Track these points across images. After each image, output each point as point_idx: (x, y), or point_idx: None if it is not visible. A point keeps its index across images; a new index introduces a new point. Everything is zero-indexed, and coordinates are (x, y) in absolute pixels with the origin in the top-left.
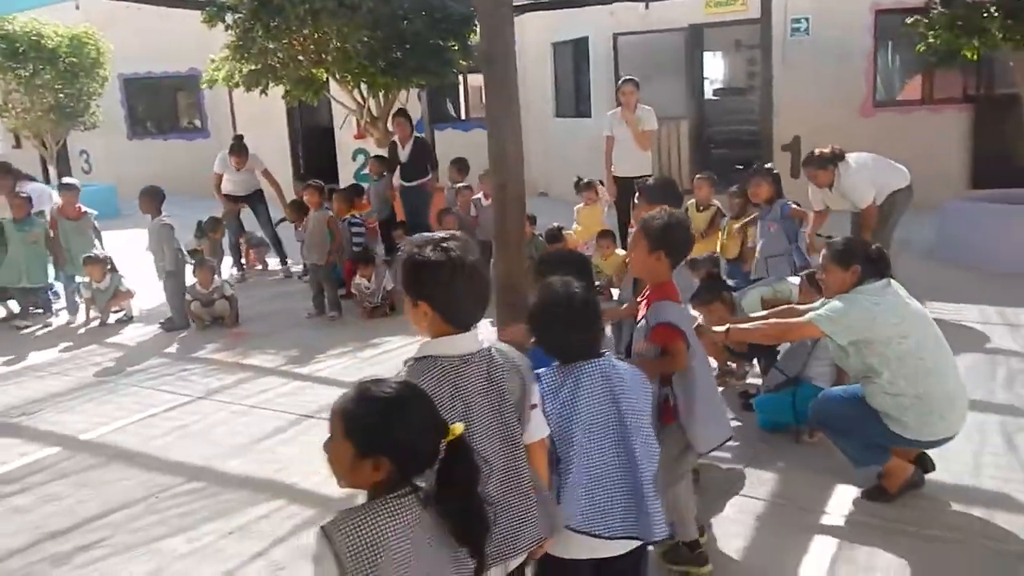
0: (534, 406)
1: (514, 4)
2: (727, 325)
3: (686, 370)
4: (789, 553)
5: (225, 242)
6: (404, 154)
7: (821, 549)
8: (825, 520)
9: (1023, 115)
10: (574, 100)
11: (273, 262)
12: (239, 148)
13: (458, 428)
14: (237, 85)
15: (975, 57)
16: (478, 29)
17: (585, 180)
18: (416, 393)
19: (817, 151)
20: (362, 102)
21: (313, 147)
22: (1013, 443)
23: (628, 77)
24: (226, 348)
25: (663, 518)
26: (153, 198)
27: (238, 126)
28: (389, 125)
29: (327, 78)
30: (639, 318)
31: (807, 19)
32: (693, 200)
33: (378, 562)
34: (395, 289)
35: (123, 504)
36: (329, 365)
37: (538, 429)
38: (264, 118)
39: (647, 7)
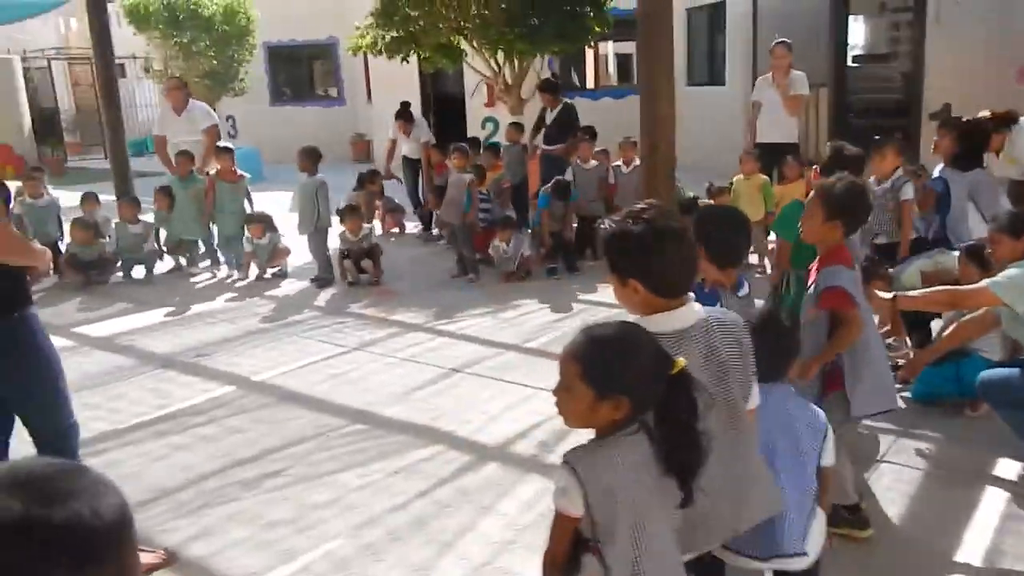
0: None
1: None
2: (893, 293)
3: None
4: (951, 522)
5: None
6: (550, 117)
7: (984, 519)
8: (989, 492)
9: None
10: (708, 68)
11: (410, 225)
12: (405, 115)
13: (681, 361)
14: (381, 52)
15: None
16: None
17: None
18: (641, 331)
19: (988, 112)
20: (497, 69)
21: (444, 115)
22: None
23: (781, 40)
24: (373, 304)
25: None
26: (311, 157)
27: (372, 94)
28: (522, 92)
29: (463, 46)
30: (808, 283)
31: None
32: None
33: (616, 494)
34: (530, 256)
35: (299, 439)
36: (471, 324)
37: (753, 398)
38: (398, 86)
39: None
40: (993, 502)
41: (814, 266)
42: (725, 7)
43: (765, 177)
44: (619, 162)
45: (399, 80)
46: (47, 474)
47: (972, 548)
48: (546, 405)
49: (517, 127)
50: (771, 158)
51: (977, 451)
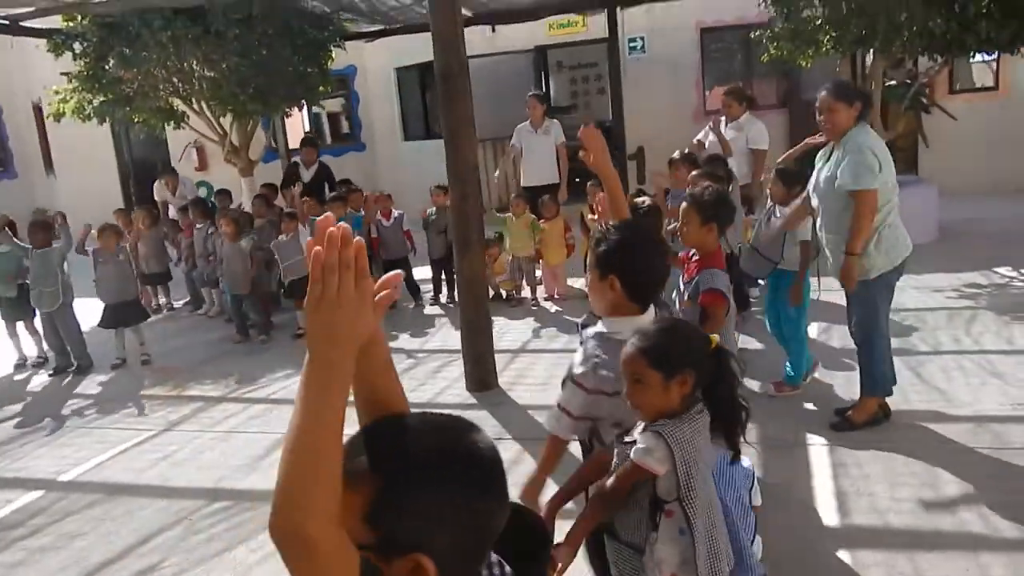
0: None
1: (362, 31)
2: None
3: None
4: (784, 488)
5: None
6: (308, 175)
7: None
8: (806, 456)
9: None
10: (423, 123)
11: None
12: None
13: (715, 338)
14: (89, 117)
15: (808, 65)
16: (333, 53)
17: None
18: (678, 320)
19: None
20: (224, 132)
21: (147, 180)
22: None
23: (533, 92)
24: (158, 383)
25: None
26: (44, 228)
27: (55, 164)
28: (251, 153)
29: (183, 108)
30: (688, 278)
31: (642, 38)
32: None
33: (698, 459)
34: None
35: (159, 529)
36: (282, 386)
37: None
38: (89, 154)
39: (494, 30)
40: (814, 464)
41: (692, 263)
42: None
43: (533, 216)
44: (378, 216)
45: (89, 147)
46: None
47: (821, 503)
48: None
49: (262, 200)
50: (534, 200)
51: (788, 424)
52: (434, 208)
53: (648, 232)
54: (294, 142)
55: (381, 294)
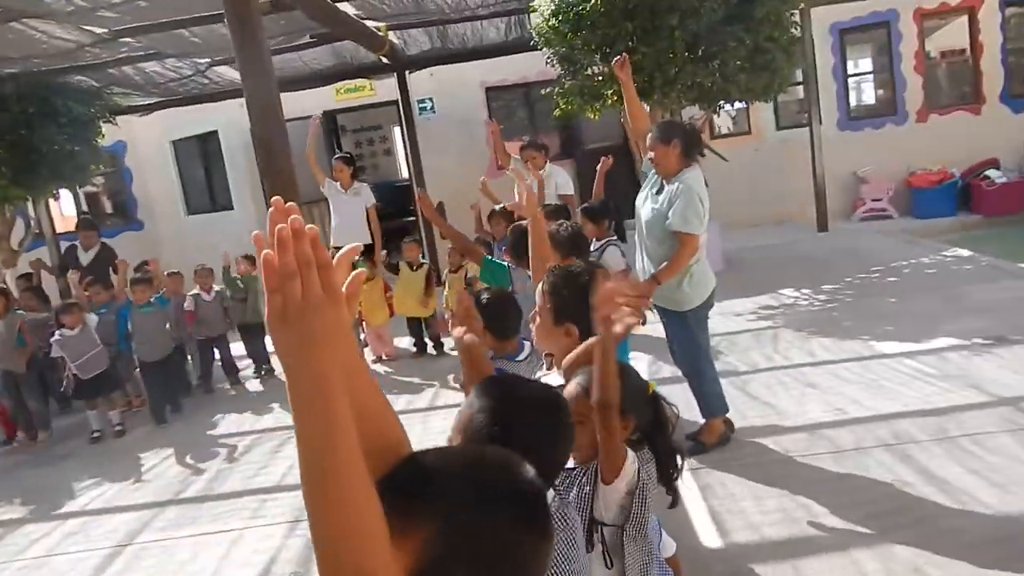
0: None
1: (135, 104)
2: None
3: None
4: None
5: None
6: (87, 258)
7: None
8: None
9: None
10: (208, 195)
11: None
12: None
13: (652, 384)
14: None
15: (596, 116)
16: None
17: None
18: (623, 364)
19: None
20: None
21: None
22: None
23: (339, 155)
24: None
25: None
26: None
27: None
28: (13, 242)
29: None
30: None
31: (431, 99)
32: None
33: (648, 492)
34: None
35: None
36: (99, 495)
37: None
38: None
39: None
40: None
41: None
42: (218, 136)
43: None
44: (196, 290)
45: None
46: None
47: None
48: (262, 539)
49: (32, 294)
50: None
51: None
52: (238, 276)
53: (604, 277)
54: (60, 226)
55: (348, 281)
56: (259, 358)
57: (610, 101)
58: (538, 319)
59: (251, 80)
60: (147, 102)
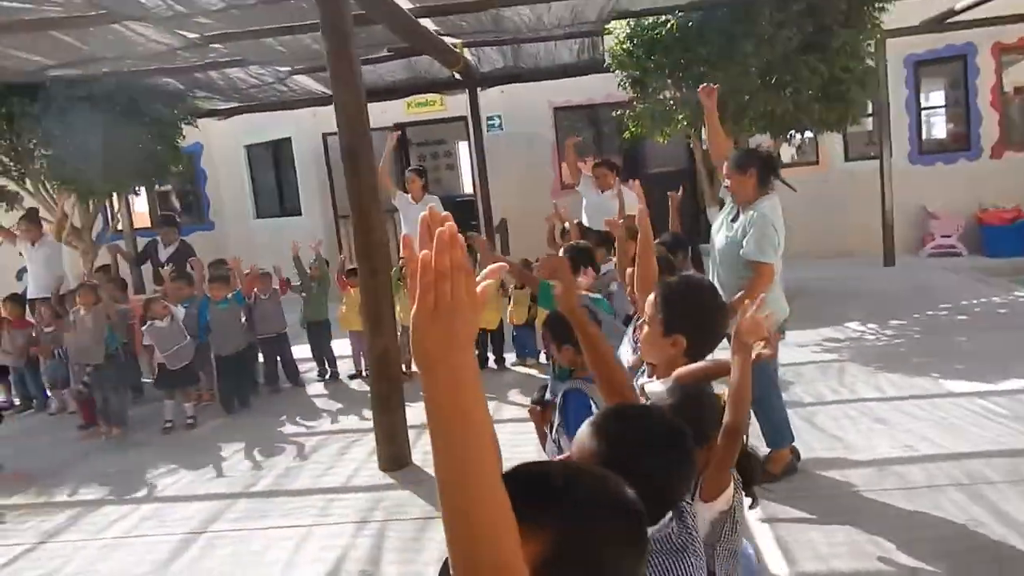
0: None
1: (217, 108)
2: None
3: None
4: None
5: None
6: (165, 254)
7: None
8: None
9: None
10: (278, 200)
11: None
12: None
13: (723, 396)
14: None
15: (664, 141)
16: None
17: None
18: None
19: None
20: (65, 213)
21: None
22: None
23: (412, 168)
24: (17, 491)
25: None
26: None
27: None
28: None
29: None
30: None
31: (499, 116)
32: None
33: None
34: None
35: None
36: (167, 482)
37: None
38: None
39: None
40: (750, 518)
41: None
42: (291, 143)
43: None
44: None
45: None
46: None
47: None
48: (330, 537)
49: (114, 286)
50: None
51: None
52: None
53: (715, 292)
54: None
55: (482, 284)
56: (323, 360)
57: (679, 126)
58: (646, 328)
59: (341, 90)
60: (227, 106)
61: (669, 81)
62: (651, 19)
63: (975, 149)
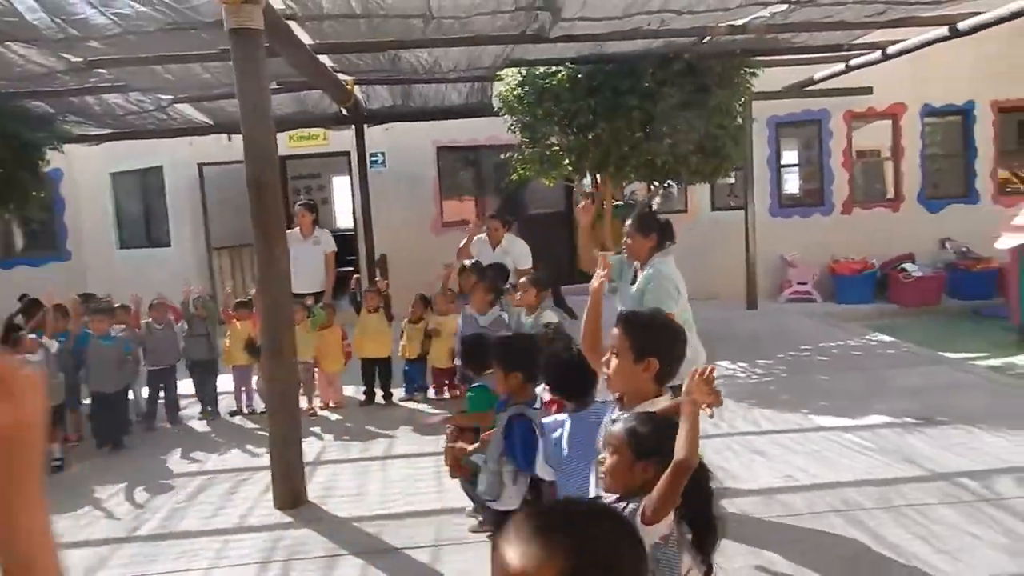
0: None
1: (88, 134)
2: None
3: None
4: None
5: None
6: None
7: None
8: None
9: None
10: (144, 231)
11: None
12: None
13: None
14: None
15: (551, 184)
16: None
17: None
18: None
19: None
20: None
21: None
22: None
23: (302, 201)
24: None
25: None
26: None
27: None
28: None
29: None
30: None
31: (383, 153)
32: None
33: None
34: None
35: None
36: None
37: None
38: None
39: (230, 139)
40: None
41: None
42: (163, 172)
43: (310, 319)
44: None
45: None
46: None
47: None
48: None
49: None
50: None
51: None
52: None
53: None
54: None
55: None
56: (207, 399)
57: (566, 171)
58: (614, 360)
59: (252, 122)
60: (99, 132)
61: (557, 128)
62: (542, 68)
63: (828, 205)
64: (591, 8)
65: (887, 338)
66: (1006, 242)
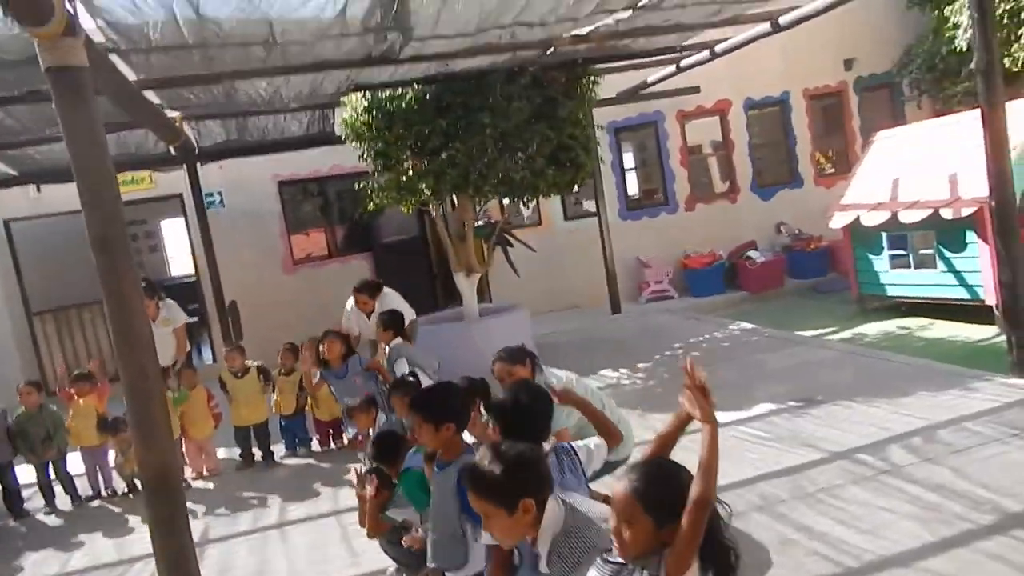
0: None
1: None
2: None
3: None
4: None
5: None
6: None
7: None
8: None
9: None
10: None
11: None
12: None
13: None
14: None
15: (409, 211)
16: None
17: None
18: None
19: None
20: None
21: None
22: None
23: (144, 282)
24: None
25: None
26: None
27: None
28: None
29: None
30: None
31: (219, 192)
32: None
33: None
34: None
35: None
36: None
37: None
38: None
39: (39, 190)
40: None
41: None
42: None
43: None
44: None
45: None
46: None
47: None
48: None
49: None
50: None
51: None
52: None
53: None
54: None
55: None
56: (51, 488)
57: (424, 196)
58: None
59: (86, 171)
60: None
61: (411, 152)
62: (388, 92)
63: (672, 203)
64: (444, 25)
65: (748, 325)
66: (839, 221)
